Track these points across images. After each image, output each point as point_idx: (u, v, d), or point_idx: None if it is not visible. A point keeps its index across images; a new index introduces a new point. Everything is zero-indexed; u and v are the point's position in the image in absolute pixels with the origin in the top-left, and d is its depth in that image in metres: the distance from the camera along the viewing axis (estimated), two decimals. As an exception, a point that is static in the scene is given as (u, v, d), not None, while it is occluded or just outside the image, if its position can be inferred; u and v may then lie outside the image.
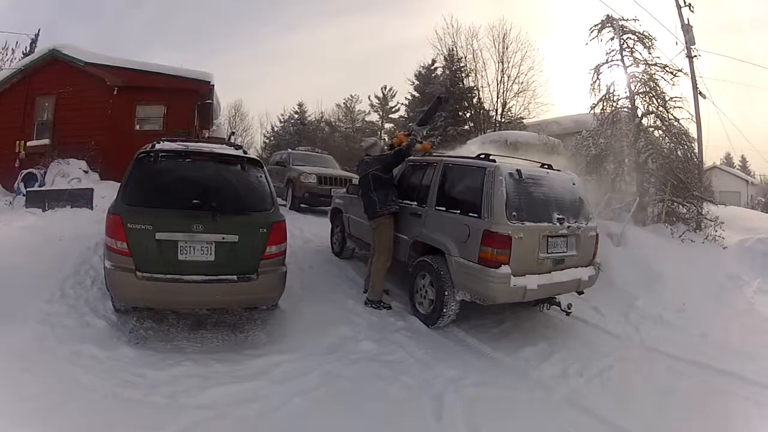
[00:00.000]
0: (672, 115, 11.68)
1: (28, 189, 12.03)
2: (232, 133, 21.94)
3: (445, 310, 5.81)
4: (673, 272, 8.19)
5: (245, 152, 6.05)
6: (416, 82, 32.58)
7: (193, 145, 6.03)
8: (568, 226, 5.95)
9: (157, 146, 5.65)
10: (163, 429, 3.63)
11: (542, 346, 5.70)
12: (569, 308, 6.23)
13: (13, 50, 28.45)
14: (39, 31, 29.94)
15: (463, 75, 28.55)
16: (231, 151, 6.02)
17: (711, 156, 35.84)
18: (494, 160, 5.93)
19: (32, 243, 7.89)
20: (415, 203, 6.63)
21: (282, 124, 43.14)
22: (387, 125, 40.54)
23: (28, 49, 27.96)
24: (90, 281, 6.41)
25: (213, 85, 15.91)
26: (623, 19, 12.23)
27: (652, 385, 5.01)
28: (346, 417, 4.04)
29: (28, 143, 14.65)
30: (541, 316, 6.57)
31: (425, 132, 8.18)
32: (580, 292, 6.36)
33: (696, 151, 11.95)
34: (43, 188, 12.30)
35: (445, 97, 7.47)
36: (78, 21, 54.08)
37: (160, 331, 5.51)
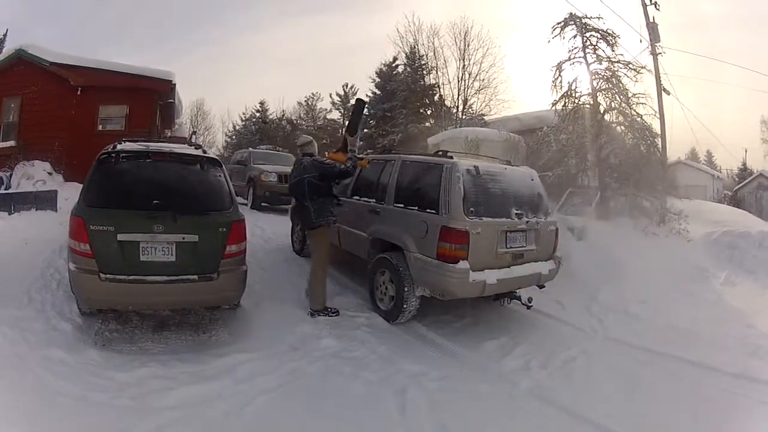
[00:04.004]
0: (635, 111, 11.86)
1: (-5, 192, 11.88)
2: (194, 132, 21.78)
3: (405, 306, 5.88)
4: (636, 265, 8.32)
5: (205, 152, 6.06)
6: (378, 80, 32.56)
7: (153, 146, 6.00)
8: (527, 221, 6.07)
9: (119, 147, 5.61)
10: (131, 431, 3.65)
11: (504, 339, 5.78)
12: (530, 302, 6.31)
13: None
14: (7, 31, 29.49)
15: (425, 72, 28.95)
16: (191, 150, 6.02)
17: (676, 151, 36.41)
18: (452, 157, 6.02)
19: (1, 248, 7.79)
20: (374, 200, 6.72)
21: (243, 123, 42.88)
22: None
23: (-4, 50, 27.47)
24: (56, 284, 6.38)
25: (175, 84, 15.83)
26: (586, 17, 12.36)
27: (618, 375, 5.10)
28: (311, 414, 4.08)
29: (-5, 145, 14.42)
30: (502, 310, 6.68)
31: (359, 141, 8.09)
32: (541, 286, 6.45)
33: (659, 146, 12.13)
34: (9, 191, 12.13)
35: (364, 100, 7.47)
36: (42, 21, 53.01)
37: (125, 333, 5.50)
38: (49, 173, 13.45)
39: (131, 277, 5.01)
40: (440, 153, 6.38)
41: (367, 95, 33.39)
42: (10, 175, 13.24)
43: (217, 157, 6.07)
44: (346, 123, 7.74)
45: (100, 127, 15.12)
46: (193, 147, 6.31)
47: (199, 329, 5.75)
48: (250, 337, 5.47)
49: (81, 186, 5.57)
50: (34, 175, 13.10)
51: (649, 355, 5.61)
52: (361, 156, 6.94)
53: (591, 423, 4.10)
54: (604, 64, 12.14)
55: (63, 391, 4.07)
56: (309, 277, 6.47)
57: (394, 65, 32.05)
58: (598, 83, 12.12)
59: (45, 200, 10.96)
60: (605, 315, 6.84)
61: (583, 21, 12.34)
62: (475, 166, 5.90)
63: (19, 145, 14.20)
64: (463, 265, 5.44)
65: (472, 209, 5.60)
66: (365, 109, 7.27)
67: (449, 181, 5.66)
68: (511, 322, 6.45)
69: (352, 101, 39.94)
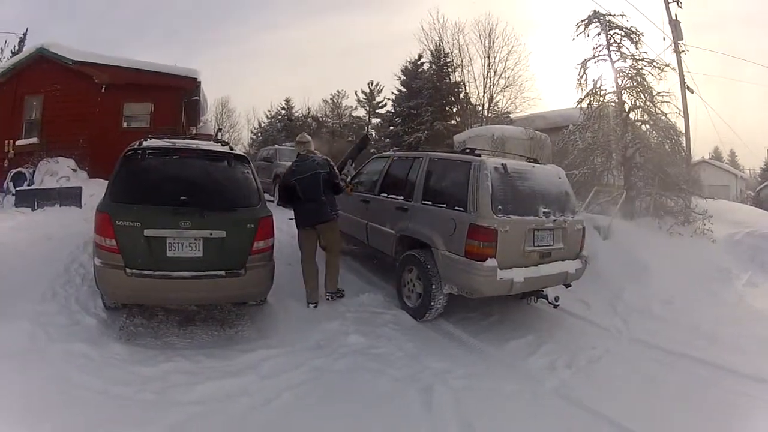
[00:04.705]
0: (659, 109, 11.73)
1: (17, 188, 11.98)
2: (219, 130, 21.85)
3: (432, 304, 5.85)
4: (660, 265, 8.21)
5: (232, 148, 6.07)
6: (403, 77, 32.34)
7: (180, 142, 6.03)
8: (554, 220, 6.01)
9: (145, 143, 5.63)
10: (153, 425, 3.64)
11: (530, 338, 5.72)
12: (556, 301, 6.26)
13: (2, 50, 28.39)
14: (27, 30, 29.83)
15: (450, 70, 28.62)
16: (218, 147, 6.03)
17: (700, 150, 36.00)
18: (479, 155, 5.98)
19: (22, 242, 7.85)
20: (401, 197, 6.68)
21: (269, 120, 43.01)
22: (374, 120, 40.44)
23: (16, 48, 27.84)
24: (80, 279, 6.40)
25: (200, 82, 15.83)
26: (610, 15, 12.26)
27: (640, 377, 5.02)
28: (336, 411, 4.05)
29: (17, 142, 14.48)
30: (528, 308, 6.60)
31: (353, 166, 8.32)
32: (568, 285, 6.39)
33: (683, 145, 12.00)
34: (32, 187, 12.24)
35: (368, 137, 7.76)
36: (63, 19, 53.63)
37: (150, 328, 5.52)
38: (74, 170, 13.53)
39: (157, 273, 5.02)
40: (468, 151, 6.34)
41: (392, 92, 33.56)
42: (33, 172, 13.33)
43: (244, 154, 6.08)
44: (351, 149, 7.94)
45: (124, 125, 15.17)
46: (219, 144, 6.32)
47: (225, 325, 5.76)
48: (276, 333, 5.47)
49: (106, 182, 5.60)
50: (58, 171, 13.18)
51: (671, 357, 5.51)
52: (349, 181, 7.73)
53: (614, 424, 4.03)
54: (629, 62, 12.02)
55: (85, 385, 4.08)
56: (328, 263, 6.57)
57: (419, 63, 31.87)
58: (622, 81, 11.99)
59: (69, 196, 11.05)
60: (629, 315, 6.74)
61: (607, 18, 12.23)
62: (503, 164, 5.86)
63: (42, 143, 14.27)
64: (490, 263, 5.39)
65: (500, 207, 5.56)
66: (368, 145, 7.53)
67: (477, 178, 5.62)
68: (537, 320, 6.38)
69: (378, 98, 40.37)
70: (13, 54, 25.61)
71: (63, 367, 4.29)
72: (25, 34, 29.47)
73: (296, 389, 4.32)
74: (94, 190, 10.57)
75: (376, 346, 5.23)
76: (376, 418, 3.99)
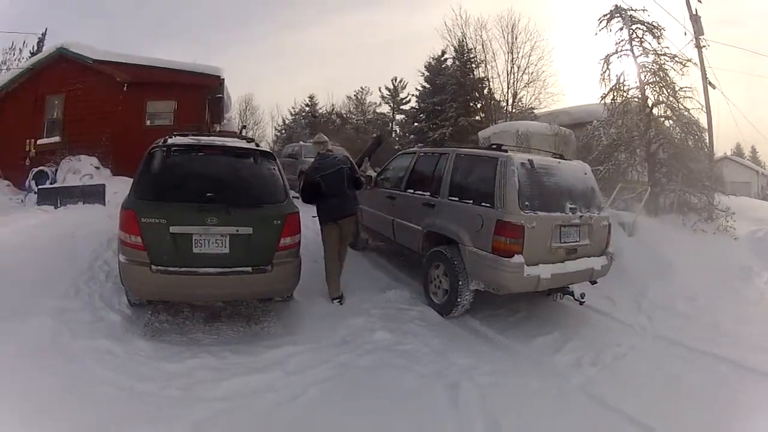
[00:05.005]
0: (682, 105, 11.62)
1: (39, 186, 12.05)
2: (244, 127, 21.90)
3: (459, 300, 5.83)
4: (684, 262, 8.13)
5: (257, 145, 6.05)
6: (426, 73, 32.30)
7: (205, 139, 6.02)
8: (581, 216, 5.96)
9: (170, 141, 5.65)
10: (178, 421, 3.64)
11: (556, 335, 5.69)
12: (582, 297, 6.22)
13: (20, 50, 28.61)
14: (46, 30, 30.04)
15: (474, 66, 28.42)
16: (243, 144, 6.02)
17: (721, 146, 35.50)
18: (506, 151, 5.95)
19: (45, 240, 7.87)
20: (428, 194, 6.65)
21: (293, 117, 43.32)
22: (398, 116, 40.36)
23: (35, 48, 28.07)
24: (104, 276, 6.43)
25: (223, 80, 15.84)
26: (632, 9, 12.16)
27: (664, 374, 4.97)
28: (362, 407, 4.04)
29: (39, 141, 14.64)
30: (554, 305, 6.55)
31: (369, 164, 8.41)
32: (593, 282, 6.34)
33: (706, 141, 11.85)
34: (54, 185, 12.30)
35: (383, 136, 8.00)
36: (83, 19, 53.90)
37: (176, 324, 5.54)
38: (97, 168, 13.60)
39: (183, 269, 5.04)
40: (494, 146, 6.31)
41: (416, 89, 33.68)
42: (56, 170, 13.42)
43: (270, 150, 6.08)
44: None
45: (148, 122, 15.26)
46: (245, 140, 6.31)
47: (251, 321, 5.77)
48: (302, 329, 5.48)
49: (129, 180, 5.63)
50: (81, 169, 13.25)
51: (693, 354, 5.45)
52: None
53: (636, 423, 3.99)
54: (651, 57, 11.92)
55: (109, 381, 4.09)
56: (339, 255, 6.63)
57: (442, 59, 31.75)
58: (645, 76, 11.89)
59: (92, 194, 11.08)
60: (654, 312, 6.68)
61: (629, 13, 12.13)
62: (529, 160, 5.82)
63: (64, 141, 14.36)
64: (518, 259, 5.36)
65: (526, 203, 5.52)
66: (382, 144, 7.63)
67: (504, 174, 5.59)
68: (563, 317, 6.34)
69: (402, 95, 40.44)
70: (32, 54, 25.81)
71: (86, 364, 4.31)
72: (44, 34, 29.70)
73: (322, 385, 4.30)
74: (118, 188, 10.63)
75: (403, 343, 5.21)
76: (402, 414, 3.97)
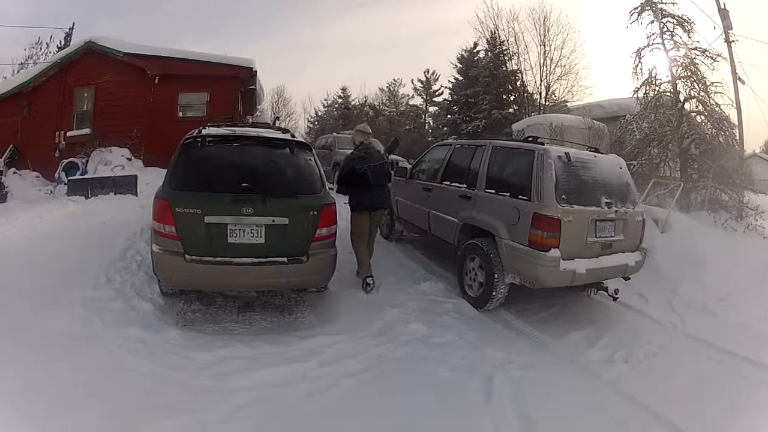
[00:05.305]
0: (713, 100, 11.46)
1: (69, 178, 12.20)
2: (277, 118, 21.88)
3: (494, 293, 5.80)
4: (715, 260, 8.01)
5: (293, 136, 6.05)
6: (459, 65, 32.28)
7: (240, 130, 6.03)
8: (616, 210, 5.89)
9: (204, 131, 5.65)
10: (211, 410, 3.65)
11: (589, 331, 5.63)
12: (616, 293, 6.11)
13: (47, 44, 28.96)
14: (73, 25, 30.37)
15: (506, 58, 28.17)
16: (279, 134, 6.01)
17: (751, 144, 34.80)
18: (543, 143, 5.91)
19: (75, 230, 7.98)
20: (464, 186, 6.63)
21: (326, 109, 43.47)
22: (431, 108, 40.11)
23: (62, 43, 28.39)
24: (136, 266, 6.47)
25: (255, 71, 15.79)
26: (662, 2, 12.03)
27: (693, 375, 4.89)
28: (396, 399, 4.01)
29: (69, 133, 14.85)
30: (587, 300, 6.48)
31: None
32: (627, 278, 6.27)
33: (737, 137, 11.67)
34: (85, 176, 12.44)
35: (400, 138, 8.18)
36: (109, 14, 54.32)
37: (208, 314, 5.56)
38: (128, 159, 13.70)
39: (218, 259, 5.04)
40: (531, 139, 6.28)
41: (449, 81, 33.54)
42: (86, 162, 13.58)
43: (306, 141, 6.07)
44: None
45: (180, 114, 15.33)
46: (280, 131, 6.29)
47: (285, 311, 5.79)
48: (336, 320, 5.47)
49: (162, 171, 5.66)
50: (112, 161, 13.37)
51: (722, 355, 5.34)
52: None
53: (665, 422, 3.94)
54: (682, 51, 11.79)
55: (140, 369, 4.11)
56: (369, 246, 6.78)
57: (475, 51, 31.70)
58: (677, 70, 11.75)
59: (124, 185, 11.16)
60: (685, 310, 6.57)
61: (659, 6, 11.98)
62: (566, 153, 5.76)
63: (94, 133, 14.51)
64: (554, 253, 5.32)
65: (563, 197, 5.47)
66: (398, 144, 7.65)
67: (541, 167, 5.54)
68: (596, 313, 6.27)
69: (435, 87, 40.17)
70: (60, 49, 26.10)
71: (117, 352, 4.34)
72: (71, 29, 30.01)
73: (356, 377, 4.28)
74: (150, 179, 10.81)
75: (437, 335, 5.19)
76: (436, 407, 3.95)
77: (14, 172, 14.25)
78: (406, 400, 4.01)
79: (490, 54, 29.30)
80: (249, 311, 5.69)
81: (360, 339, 4.97)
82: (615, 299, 6.18)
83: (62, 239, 7.33)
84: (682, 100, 11.62)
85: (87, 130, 14.72)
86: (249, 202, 5.05)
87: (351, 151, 6.99)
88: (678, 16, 11.90)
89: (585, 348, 5.26)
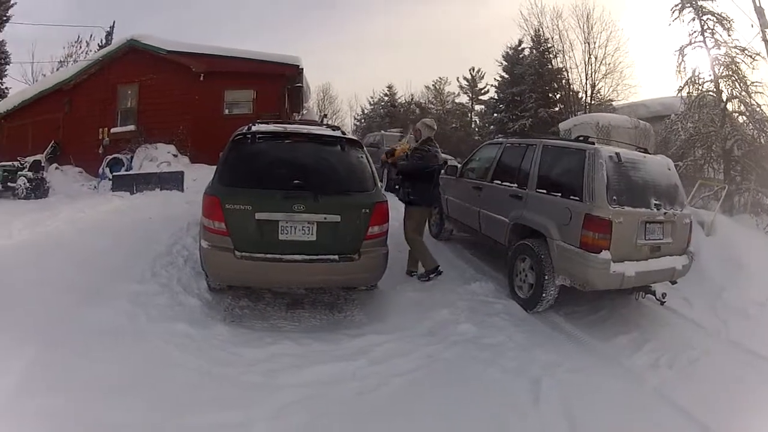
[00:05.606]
0: (754, 100, 11.21)
1: (114, 173, 12.44)
2: (324, 116, 22.04)
3: (544, 295, 5.75)
4: (758, 265, 7.78)
5: (344, 133, 6.06)
6: (504, 63, 32.12)
7: (291, 127, 6.06)
8: (665, 213, 5.82)
9: (254, 128, 5.69)
10: (259, 407, 3.68)
11: (635, 335, 5.58)
12: (663, 297, 6.05)
13: (87, 43, 29.57)
14: (114, 23, 30.95)
15: (551, 56, 27.98)
16: (330, 132, 6.04)
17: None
18: (593, 143, 5.87)
19: (120, 225, 8.12)
20: (515, 185, 6.59)
21: (372, 107, 43.71)
22: (477, 107, 40.06)
23: (103, 41, 28.96)
24: (182, 261, 6.55)
25: (302, 69, 15.95)
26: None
27: (733, 381, 4.82)
28: (446, 398, 4.01)
29: (113, 130, 15.15)
30: (635, 304, 6.39)
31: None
32: (674, 282, 6.19)
33: (777, 138, 11.42)
34: (130, 172, 12.71)
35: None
36: (149, 12, 54.88)
37: (257, 310, 5.62)
38: (174, 155, 13.98)
39: (268, 256, 5.07)
40: (581, 138, 6.23)
41: (495, 79, 33.60)
42: (131, 158, 13.88)
43: (357, 138, 6.11)
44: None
45: (226, 111, 15.63)
46: (330, 128, 6.31)
47: (334, 309, 5.82)
48: (386, 319, 5.48)
49: (208, 167, 5.72)
50: (158, 157, 13.66)
51: (763, 363, 5.26)
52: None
53: (702, 427, 3.93)
54: (723, 50, 11.51)
55: (187, 364, 4.15)
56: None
57: (520, 48, 31.53)
58: (719, 69, 11.49)
59: (170, 180, 11.39)
60: (728, 315, 6.43)
61: (698, 3, 11.75)
62: (616, 153, 5.70)
63: (139, 130, 14.84)
64: (605, 255, 5.27)
65: (614, 197, 5.42)
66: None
67: (593, 167, 5.49)
68: (643, 317, 6.19)
69: (480, 85, 40.29)
70: (101, 47, 26.59)
71: (163, 347, 4.38)
72: (112, 27, 30.62)
73: (406, 376, 4.27)
74: (197, 175, 10.95)
75: (487, 336, 5.15)
76: (486, 408, 3.95)
77: (56, 168, 14.56)
78: (456, 400, 4.00)
79: (535, 52, 29.17)
80: (298, 308, 5.73)
81: (410, 338, 4.96)
82: (662, 303, 6.10)
83: (107, 234, 7.45)
84: (724, 99, 11.38)
85: (131, 127, 15.03)
86: (301, 199, 5.08)
87: (413, 144, 7.11)
88: (717, 14, 11.64)
89: (632, 352, 5.20)
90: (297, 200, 5.08)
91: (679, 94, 12.11)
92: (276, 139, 5.62)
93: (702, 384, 4.66)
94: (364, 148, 5.89)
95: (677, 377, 4.76)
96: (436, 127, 7.01)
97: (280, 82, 15.65)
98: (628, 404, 4.21)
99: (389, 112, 39.77)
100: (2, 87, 27.52)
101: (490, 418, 3.83)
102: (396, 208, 6.44)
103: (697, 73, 11.69)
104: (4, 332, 4.19)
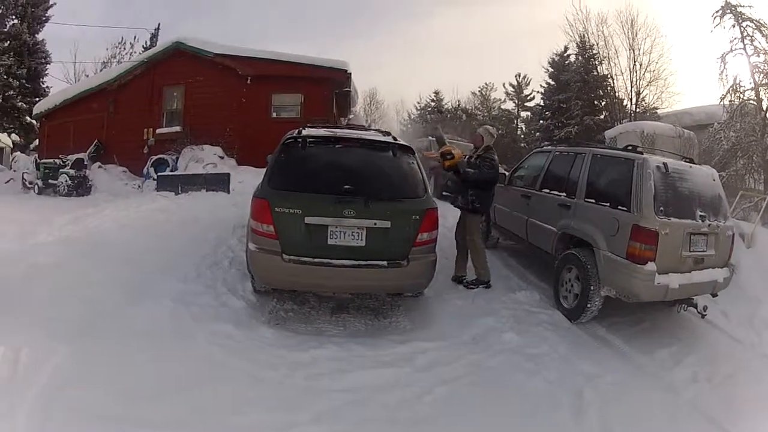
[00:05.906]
0: (793, 109, 10.98)
1: (159, 174, 12.68)
2: (373, 121, 22.18)
3: (589, 306, 5.73)
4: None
5: (395, 138, 6.06)
6: (550, 69, 31.85)
7: (341, 131, 6.08)
8: (709, 224, 5.78)
9: (304, 132, 5.71)
10: (300, 411, 3.70)
11: (675, 348, 5.55)
12: (704, 311, 6.03)
13: (131, 44, 30.20)
14: (159, 25, 31.61)
15: (596, 62, 27.61)
16: (380, 137, 6.06)
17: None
18: (641, 152, 5.87)
19: (166, 224, 8.25)
20: (564, 194, 6.60)
21: (418, 112, 43.45)
22: (523, 113, 39.87)
23: (148, 42, 29.56)
24: (228, 262, 6.60)
25: (350, 73, 15.98)
26: (740, 5, 11.72)
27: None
28: (490, 408, 4.03)
29: (158, 131, 15.47)
30: (676, 316, 6.37)
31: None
32: (714, 294, 6.13)
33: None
34: (176, 173, 12.91)
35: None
36: (194, 15, 55.65)
37: (301, 314, 5.64)
38: (221, 157, 14.13)
39: (317, 260, 5.09)
40: (630, 148, 6.23)
41: (540, 85, 33.23)
42: (177, 159, 14.10)
43: (409, 144, 6.04)
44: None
45: (273, 115, 15.73)
46: (381, 133, 6.30)
47: (379, 314, 5.83)
48: (431, 326, 5.48)
49: (255, 170, 5.79)
50: (204, 158, 13.84)
51: None
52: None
53: None
54: (762, 57, 11.43)
55: (229, 366, 4.19)
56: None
57: (565, 55, 31.29)
58: (759, 77, 11.35)
59: (216, 182, 11.43)
60: (765, 329, 6.37)
61: (738, 9, 11.61)
62: (664, 163, 5.69)
63: (185, 131, 15.07)
64: (650, 266, 5.28)
65: (661, 208, 5.42)
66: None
67: (641, 177, 5.50)
68: (684, 330, 6.16)
69: (526, 91, 39.98)
70: (146, 48, 27.14)
71: (206, 347, 4.43)
72: (157, 29, 31.29)
73: (451, 384, 4.28)
74: (244, 177, 11.10)
75: (531, 346, 5.14)
76: (527, 418, 3.98)
77: (99, 166, 14.86)
78: (500, 410, 4.03)
79: (580, 58, 28.79)
80: (343, 313, 5.74)
81: (454, 346, 4.97)
82: (703, 316, 6.08)
83: (151, 233, 7.60)
84: (764, 108, 11.23)
85: (177, 128, 15.30)
86: (351, 204, 5.08)
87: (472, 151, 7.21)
88: (756, 20, 11.56)
89: (672, 365, 5.19)
90: (347, 205, 5.08)
91: (722, 103, 11.98)
92: (327, 144, 5.66)
93: (741, 399, 4.67)
94: (416, 154, 5.88)
95: (716, 392, 4.75)
96: (496, 135, 7.05)
97: (328, 86, 15.67)
98: (669, 419, 4.22)
99: (436, 117, 38.94)
100: (43, 86, 28.01)
101: (533, 430, 3.89)
102: (442, 215, 6.44)
103: (738, 81, 11.59)
104: (46, 328, 4.29)
